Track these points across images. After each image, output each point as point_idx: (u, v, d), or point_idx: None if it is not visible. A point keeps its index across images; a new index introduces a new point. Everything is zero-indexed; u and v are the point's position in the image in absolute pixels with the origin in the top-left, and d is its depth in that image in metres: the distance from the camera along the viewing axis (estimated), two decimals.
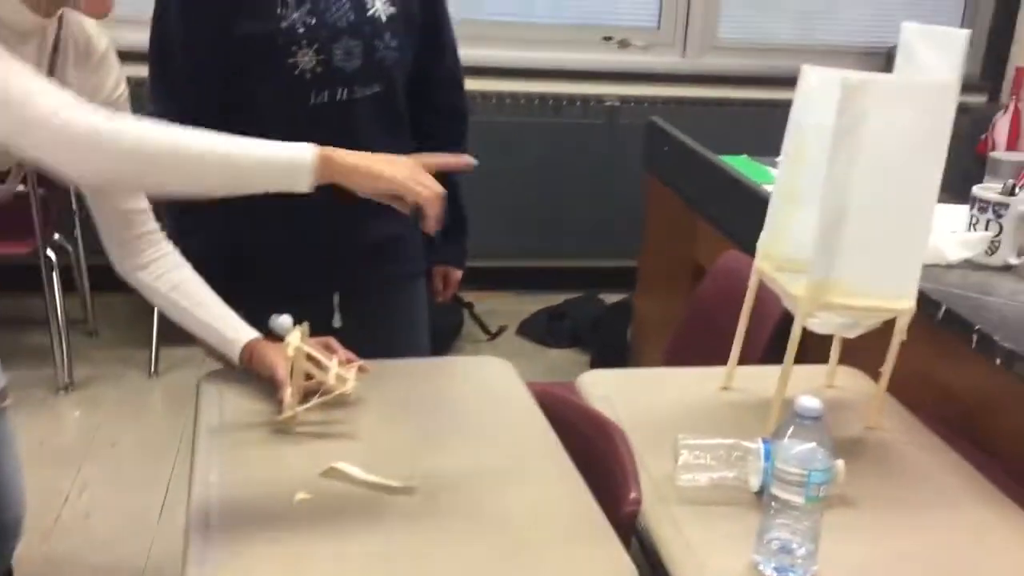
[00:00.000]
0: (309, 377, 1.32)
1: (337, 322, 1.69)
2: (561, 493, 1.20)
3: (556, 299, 3.63)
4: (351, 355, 1.40)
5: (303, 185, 1.15)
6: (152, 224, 1.40)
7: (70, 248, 3.16)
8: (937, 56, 1.33)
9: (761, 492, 1.18)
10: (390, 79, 1.59)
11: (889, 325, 1.35)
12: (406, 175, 1.17)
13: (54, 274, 2.97)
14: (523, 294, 3.75)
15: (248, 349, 1.37)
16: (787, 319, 1.42)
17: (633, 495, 1.19)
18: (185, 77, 1.53)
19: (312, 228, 1.60)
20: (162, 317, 3.13)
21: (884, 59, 3.83)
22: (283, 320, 1.31)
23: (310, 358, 1.31)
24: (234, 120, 1.50)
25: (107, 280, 3.78)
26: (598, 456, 1.30)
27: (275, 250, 1.64)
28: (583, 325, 3.48)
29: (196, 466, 1.22)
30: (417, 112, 1.68)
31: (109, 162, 1.10)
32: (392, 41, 1.57)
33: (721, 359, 1.52)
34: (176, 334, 2.52)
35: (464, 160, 1.29)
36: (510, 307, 3.67)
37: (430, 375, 1.51)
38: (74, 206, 3.08)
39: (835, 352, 1.53)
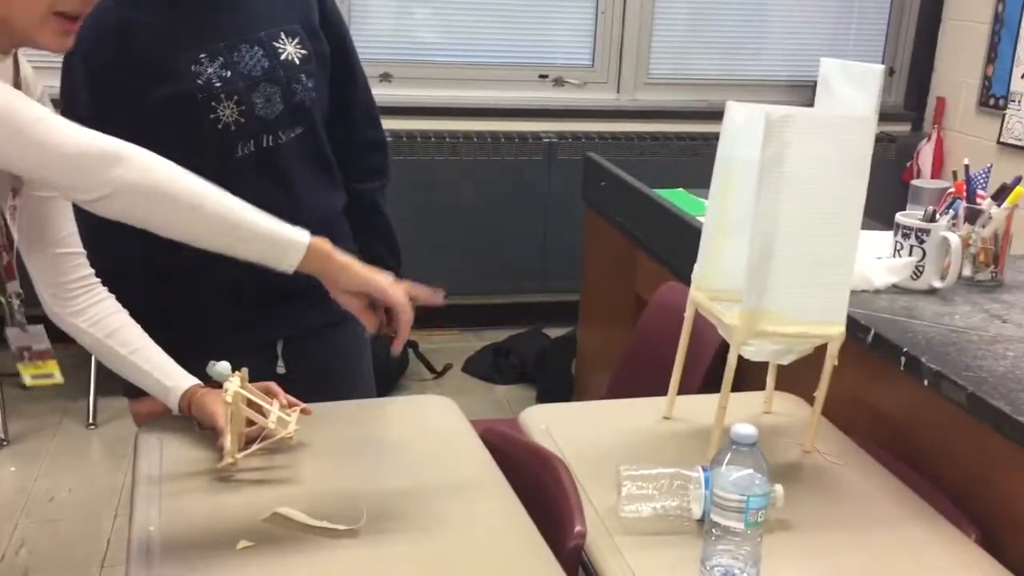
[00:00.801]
0: (251, 423, 1.31)
1: (281, 368, 1.67)
2: (507, 530, 1.21)
3: (501, 335, 3.65)
4: (292, 399, 1.39)
5: (288, 264, 1.17)
6: (87, 269, 1.37)
7: (1, 300, 3.09)
8: (855, 90, 1.39)
9: (703, 519, 1.19)
10: (311, 119, 1.61)
11: (821, 351, 1.39)
12: (389, 284, 1.23)
13: None
14: (468, 331, 3.75)
15: (187, 396, 1.36)
16: (725, 348, 1.45)
17: (578, 528, 1.20)
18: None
19: (248, 275, 1.58)
20: (99, 367, 3.11)
21: (810, 91, 3.94)
22: (221, 366, 1.31)
23: (250, 403, 1.30)
24: None
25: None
26: (542, 490, 1.30)
27: (216, 300, 1.62)
28: (528, 360, 3.49)
29: (135, 518, 1.20)
30: (336, 148, 1.68)
31: (123, 183, 1.10)
32: (308, 82, 1.58)
33: (663, 389, 1.55)
34: (114, 384, 2.48)
35: (437, 297, 1.29)
36: (455, 345, 3.68)
37: (373, 416, 1.50)
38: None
39: (771, 379, 1.57)
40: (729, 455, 1.10)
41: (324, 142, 1.66)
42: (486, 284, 3.80)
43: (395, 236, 1.81)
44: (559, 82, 3.85)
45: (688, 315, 1.50)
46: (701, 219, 2.36)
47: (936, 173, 3.93)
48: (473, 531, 1.20)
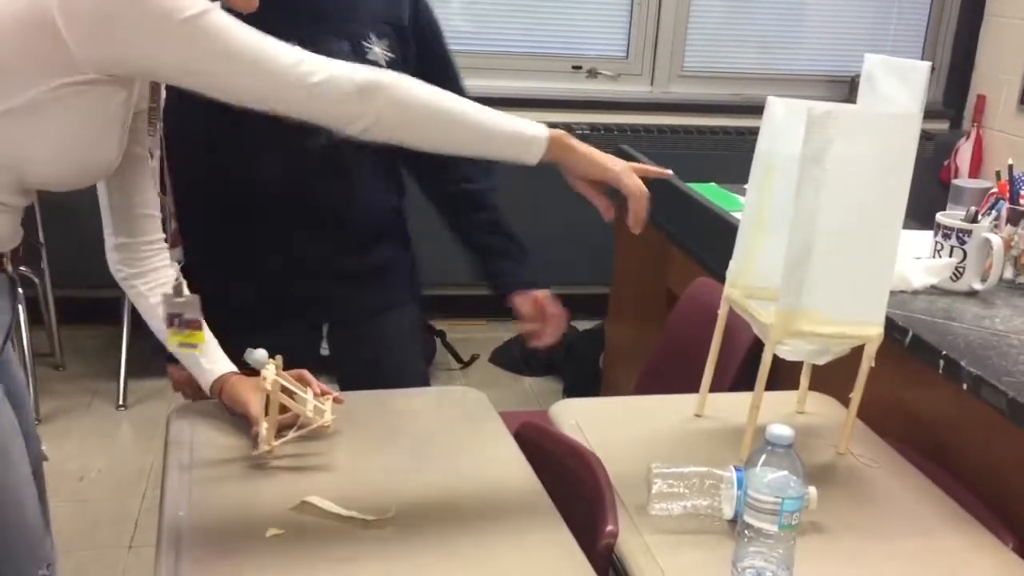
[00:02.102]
0: (284, 410, 1.31)
1: (325, 350, 1.68)
2: (536, 525, 1.20)
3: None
4: (325, 387, 1.39)
5: (534, 156, 1.26)
6: (159, 234, 1.39)
7: (36, 280, 3.13)
8: (899, 87, 1.36)
9: (735, 520, 1.18)
10: None
11: (858, 351, 1.37)
12: (623, 169, 1.30)
13: (20, 307, 2.93)
14: (495, 322, 3.75)
15: (220, 383, 1.36)
16: (758, 346, 1.44)
17: (610, 527, 1.19)
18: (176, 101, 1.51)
19: (303, 257, 1.60)
20: (130, 348, 3.12)
21: (848, 87, 3.90)
22: (258, 354, 1.31)
23: (285, 391, 1.30)
24: (221, 147, 1.52)
25: (74, 312, 3.73)
26: (575, 486, 1.29)
27: (266, 280, 1.62)
28: (556, 353, 3.48)
29: (166, 503, 1.20)
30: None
31: (384, 109, 1.17)
32: None
33: (693, 386, 1.53)
34: (144, 366, 2.51)
35: (667, 172, 1.41)
36: (482, 335, 3.67)
37: (405, 406, 1.50)
38: (41, 238, 3.05)
39: (805, 379, 1.55)
40: (764, 456, 1.08)
41: (404, 195, 1.71)
42: None
43: (517, 237, 1.81)
44: (592, 73, 3.82)
45: (722, 312, 1.48)
46: (735, 214, 2.34)
47: (974, 172, 3.87)
48: (503, 527, 1.19)
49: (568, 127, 3.66)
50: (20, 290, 2.95)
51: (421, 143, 1.23)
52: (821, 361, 1.44)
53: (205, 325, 1.35)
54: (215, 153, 1.51)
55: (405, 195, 1.73)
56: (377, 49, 1.55)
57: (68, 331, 3.29)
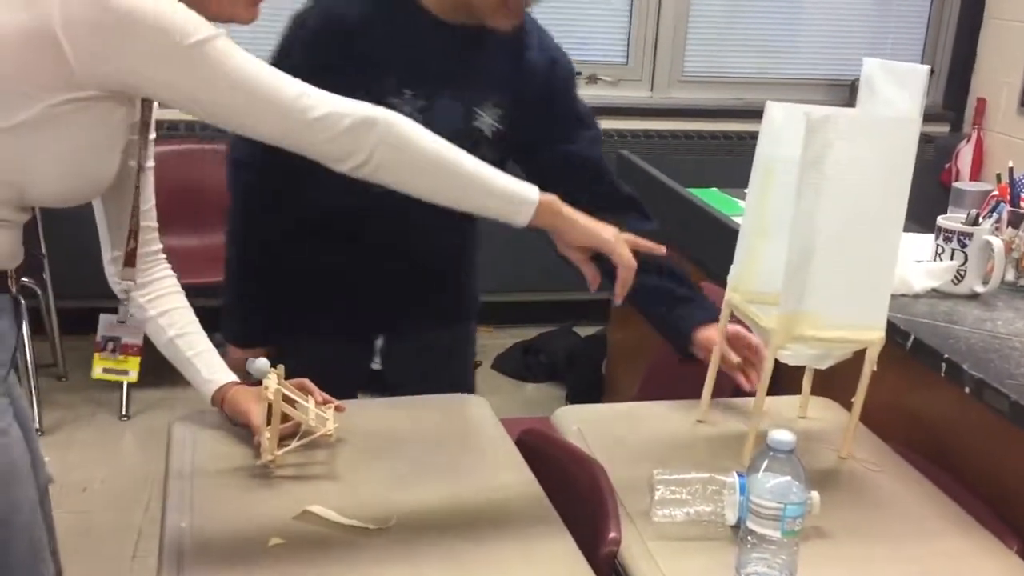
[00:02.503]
0: (286, 419, 1.31)
1: (376, 364, 1.67)
2: (539, 533, 1.20)
3: (530, 333, 3.64)
4: (326, 396, 1.39)
5: (522, 219, 1.24)
6: (157, 244, 1.39)
7: (39, 291, 3.13)
8: (898, 91, 1.36)
9: (737, 526, 1.18)
10: None
11: (860, 355, 1.37)
12: (615, 238, 1.29)
13: (24, 323, 2.92)
14: (497, 328, 3.75)
15: (221, 393, 1.36)
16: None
17: (613, 534, 1.18)
18: None
19: (363, 272, 1.59)
20: None
21: (848, 91, 3.90)
22: (260, 363, 1.31)
23: (287, 400, 1.30)
24: (312, 176, 1.52)
25: (76, 323, 3.72)
26: (577, 493, 1.29)
27: (325, 292, 1.63)
28: (558, 359, 3.48)
29: (167, 514, 1.20)
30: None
31: (381, 148, 1.16)
32: (490, 155, 1.53)
33: (695, 392, 1.53)
34: (147, 376, 2.50)
35: (660, 248, 1.36)
36: (484, 342, 3.67)
37: (407, 414, 1.50)
38: (43, 248, 3.05)
39: (807, 383, 1.54)
40: (766, 462, 1.08)
41: (475, 230, 1.71)
42: (516, 281, 3.79)
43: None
44: (592, 79, 3.82)
45: (723, 317, 1.48)
46: (736, 219, 2.34)
47: (975, 175, 3.87)
48: (505, 535, 1.19)
49: None
50: (22, 301, 2.95)
51: (411, 188, 1.21)
52: (823, 365, 1.43)
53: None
54: (299, 177, 1.54)
55: (476, 221, 1.72)
56: (487, 118, 1.54)
57: (70, 341, 3.29)
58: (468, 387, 1.81)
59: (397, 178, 1.20)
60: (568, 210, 1.27)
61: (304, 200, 1.58)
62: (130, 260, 1.33)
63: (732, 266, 1.46)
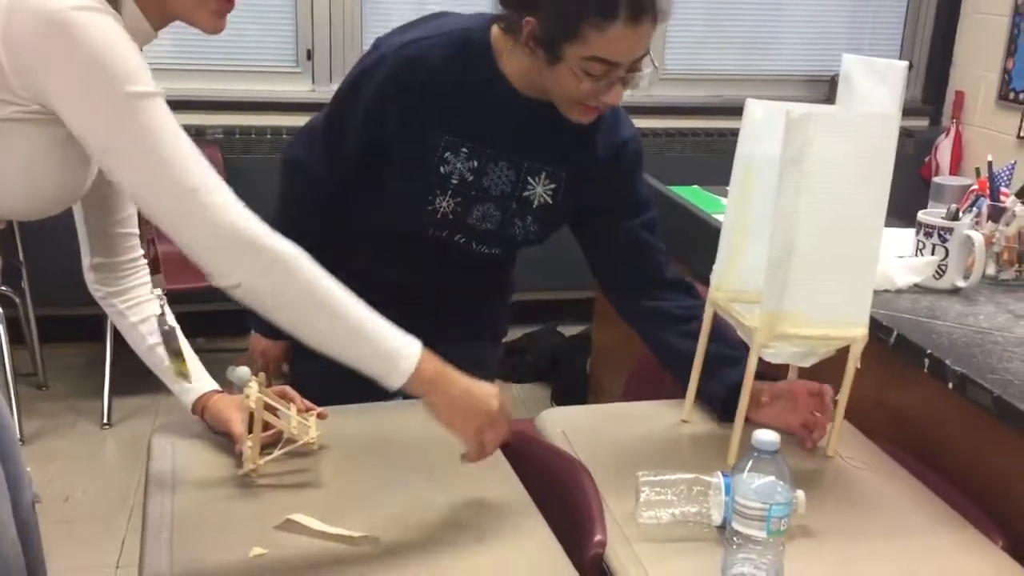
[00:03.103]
0: (267, 428, 1.29)
1: None
2: (525, 538, 1.19)
3: (515, 333, 3.63)
4: (308, 403, 1.38)
5: (393, 381, 1.14)
6: (138, 251, 1.37)
7: (17, 300, 3.10)
8: (877, 87, 1.36)
9: (723, 526, 1.17)
10: (513, 251, 1.63)
11: (843, 352, 1.37)
12: (472, 435, 1.20)
13: (1, 327, 2.90)
14: None
15: (202, 402, 1.35)
16: (744, 349, 1.43)
17: (598, 537, 1.18)
18: (337, 151, 1.54)
19: (394, 285, 1.56)
20: (114, 366, 3.09)
21: (828, 86, 3.92)
22: (241, 371, 1.29)
23: (268, 408, 1.29)
24: (358, 198, 1.56)
25: (56, 331, 3.69)
26: (562, 496, 1.29)
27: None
28: (543, 359, 3.47)
29: (147, 524, 1.19)
30: (628, 291, 1.61)
31: (253, 274, 1.08)
32: (533, 225, 1.55)
33: (680, 391, 1.53)
34: (129, 384, 2.48)
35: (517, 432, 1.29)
36: None
37: (390, 419, 1.49)
38: (21, 256, 3.02)
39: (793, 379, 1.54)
40: (751, 462, 1.08)
41: (511, 275, 1.72)
42: None
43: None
44: None
45: (707, 316, 1.48)
46: (718, 217, 2.34)
47: (955, 169, 3.89)
48: (491, 540, 1.18)
49: None
50: (1, 310, 2.94)
51: (286, 319, 1.11)
52: (807, 363, 1.43)
53: (188, 351, 1.35)
54: (353, 196, 1.56)
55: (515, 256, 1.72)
56: (539, 189, 1.52)
57: (50, 350, 3.26)
58: None
59: (268, 313, 1.11)
60: (440, 398, 1.18)
61: (350, 217, 1.60)
62: (154, 268, 1.31)
63: (715, 264, 1.46)
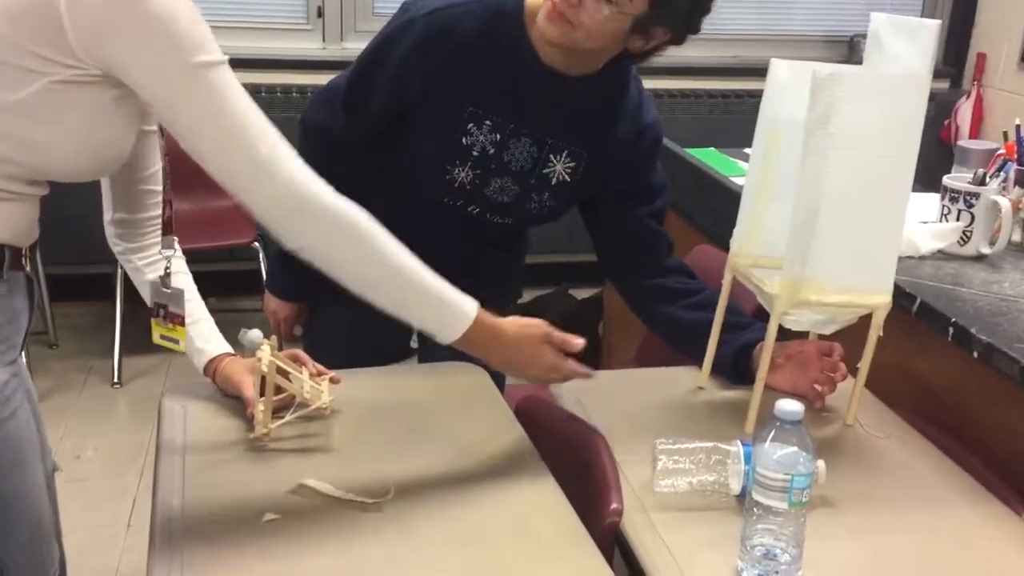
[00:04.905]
0: (279, 391, 1.28)
1: (414, 343, 1.65)
2: (539, 505, 1.17)
3: (526, 296, 3.60)
4: (320, 367, 1.36)
5: (450, 336, 1.19)
6: (159, 209, 1.35)
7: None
8: (907, 47, 1.32)
9: (742, 495, 1.15)
10: (526, 223, 1.60)
11: (865, 320, 1.34)
12: (537, 370, 1.28)
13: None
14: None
15: (213, 364, 1.33)
16: (762, 314, 1.40)
17: (614, 506, 1.16)
18: (359, 115, 1.50)
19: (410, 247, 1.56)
20: (124, 325, 3.08)
21: (847, 47, 3.84)
22: (253, 334, 1.27)
23: (280, 372, 1.27)
24: (376, 162, 1.53)
25: (66, 290, 3.68)
26: (578, 463, 1.27)
27: None
28: (555, 322, 3.44)
29: (158, 489, 1.17)
30: (631, 275, 1.60)
31: (319, 235, 1.13)
32: (550, 202, 1.53)
33: (692, 360, 1.50)
34: (139, 343, 2.45)
35: (577, 343, 1.32)
36: None
37: (402, 384, 1.47)
38: None
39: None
40: (773, 432, 1.05)
41: (524, 240, 1.70)
42: None
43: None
44: None
45: (726, 282, 1.45)
46: (735, 180, 2.30)
47: (975, 132, 3.82)
48: (504, 507, 1.16)
49: None
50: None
51: (345, 272, 1.15)
52: (828, 331, 1.41)
53: (190, 320, 1.32)
54: (371, 187, 1.51)
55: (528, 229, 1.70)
56: (558, 167, 1.49)
57: (60, 308, 3.25)
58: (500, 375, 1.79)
59: (332, 271, 1.15)
60: (495, 344, 1.24)
61: (365, 181, 1.55)
62: (167, 229, 1.31)
63: (735, 229, 1.43)
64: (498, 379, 1.55)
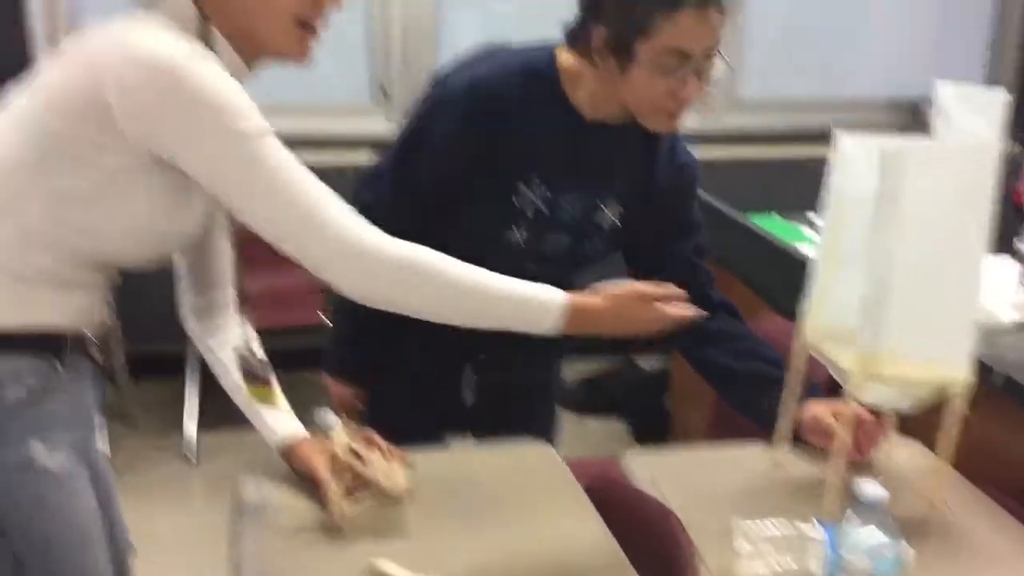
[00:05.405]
0: (353, 473, 1.29)
1: (469, 398, 1.67)
2: None
3: (590, 366, 3.59)
4: (392, 447, 1.37)
5: (547, 326, 1.22)
6: (232, 290, 1.39)
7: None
8: (975, 117, 1.31)
9: None
10: (577, 269, 1.62)
11: (945, 393, 1.30)
12: (644, 326, 1.28)
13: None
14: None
15: (288, 445, 1.35)
16: (835, 386, 1.38)
17: None
18: (408, 193, 1.53)
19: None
20: (200, 403, 3.13)
21: (911, 110, 3.81)
22: (326, 415, 1.30)
23: (354, 453, 1.28)
24: (428, 236, 1.55)
25: (143, 366, 3.75)
26: (654, 546, 1.25)
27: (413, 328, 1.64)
28: (620, 393, 3.43)
29: (234, 568, 1.19)
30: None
31: (389, 284, 1.16)
32: (600, 245, 1.57)
33: (756, 429, 1.48)
34: (215, 420, 2.50)
35: (675, 292, 1.31)
36: None
37: (473, 463, 1.47)
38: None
39: (890, 425, 1.48)
40: (855, 514, 1.03)
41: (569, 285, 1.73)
42: None
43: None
44: None
45: (798, 356, 1.43)
46: (798, 246, 2.28)
47: None
48: None
49: None
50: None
51: (421, 310, 1.19)
52: (905, 406, 1.37)
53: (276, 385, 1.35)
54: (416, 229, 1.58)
55: None
56: (608, 214, 1.54)
57: (137, 385, 3.32)
58: (553, 424, 1.81)
59: (412, 313, 1.19)
60: (595, 315, 1.25)
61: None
62: (235, 308, 1.36)
63: (805, 301, 1.41)
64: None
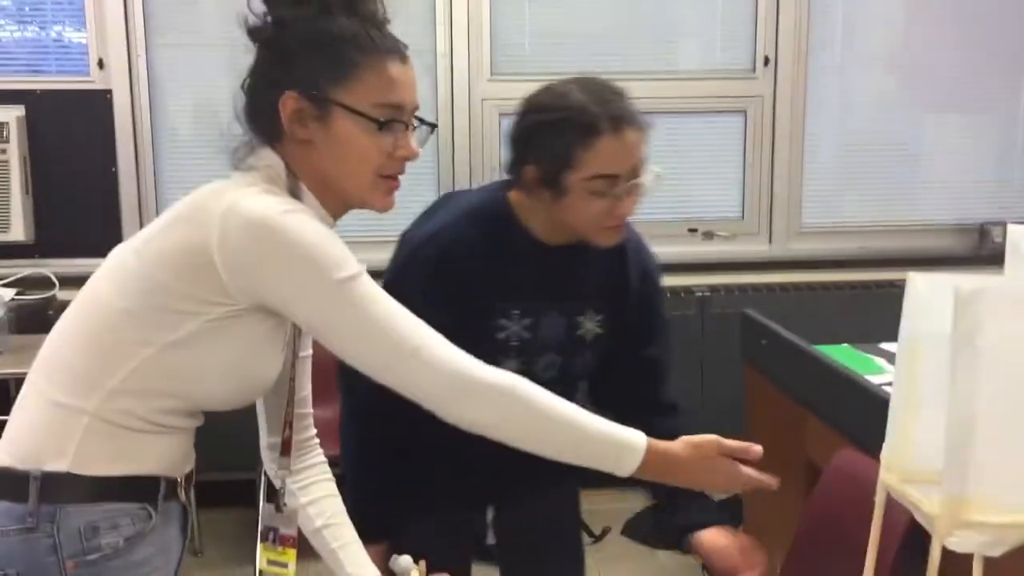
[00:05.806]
0: None
1: (491, 539, 1.66)
2: None
3: (650, 498, 3.51)
4: None
5: (627, 468, 1.24)
6: (312, 431, 1.43)
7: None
8: None
9: None
10: (573, 384, 1.67)
11: None
12: (722, 481, 1.32)
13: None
14: (626, 490, 3.64)
15: None
16: (916, 528, 1.34)
17: None
18: None
19: (475, 445, 1.60)
20: None
21: (977, 235, 3.77)
22: (403, 561, 1.30)
23: None
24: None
25: (211, 496, 3.78)
26: None
27: (437, 466, 1.65)
28: (691, 525, 3.34)
29: None
30: (624, 406, 1.65)
31: (482, 411, 1.20)
32: (589, 358, 1.63)
33: (844, 570, 1.43)
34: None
35: (755, 450, 1.35)
36: (614, 506, 3.56)
37: None
38: None
39: (978, 572, 1.42)
40: None
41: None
42: None
43: None
44: (709, 235, 3.82)
45: (879, 501, 1.40)
46: (872, 378, 2.24)
47: None
48: None
49: (688, 290, 3.67)
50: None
51: (518, 441, 1.22)
52: (996, 553, 1.32)
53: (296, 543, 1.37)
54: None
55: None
56: (589, 324, 1.60)
57: (205, 515, 3.33)
58: (578, 546, 1.81)
59: (501, 439, 1.22)
60: (676, 463, 1.27)
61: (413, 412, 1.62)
62: (285, 449, 1.37)
63: (884, 444, 1.39)
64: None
